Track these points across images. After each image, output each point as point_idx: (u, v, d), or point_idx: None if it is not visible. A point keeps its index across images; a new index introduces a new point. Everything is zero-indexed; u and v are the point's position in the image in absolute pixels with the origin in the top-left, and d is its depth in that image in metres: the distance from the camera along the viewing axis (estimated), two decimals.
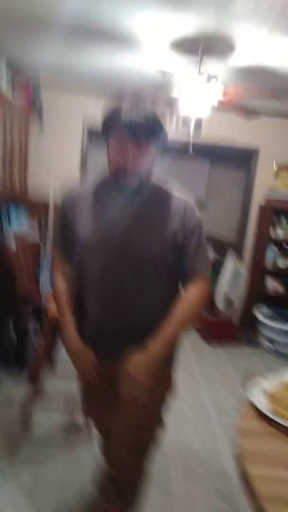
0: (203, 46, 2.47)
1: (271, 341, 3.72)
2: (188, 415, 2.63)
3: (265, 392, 1.14)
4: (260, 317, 3.83)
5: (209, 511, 1.85)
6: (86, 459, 2.09)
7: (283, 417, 1.02)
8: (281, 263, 4.11)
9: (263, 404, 1.08)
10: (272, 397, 1.10)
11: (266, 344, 3.78)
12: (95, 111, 4.17)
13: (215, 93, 2.54)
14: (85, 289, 1.33)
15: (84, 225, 1.29)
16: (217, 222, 5.95)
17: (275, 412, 1.03)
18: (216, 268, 5.28)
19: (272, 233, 4.09)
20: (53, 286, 1.39)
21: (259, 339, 3.94)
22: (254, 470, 0.83)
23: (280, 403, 1.07)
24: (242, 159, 4.60)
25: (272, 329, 3.69)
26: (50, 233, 4.11)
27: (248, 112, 2.96)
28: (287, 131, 4.25)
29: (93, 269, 1.29)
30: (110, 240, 1.25)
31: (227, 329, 4.09)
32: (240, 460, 0.89)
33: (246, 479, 0.83)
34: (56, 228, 1.45)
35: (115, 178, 1.26)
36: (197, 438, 2.40)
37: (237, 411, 2.70)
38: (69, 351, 1.35)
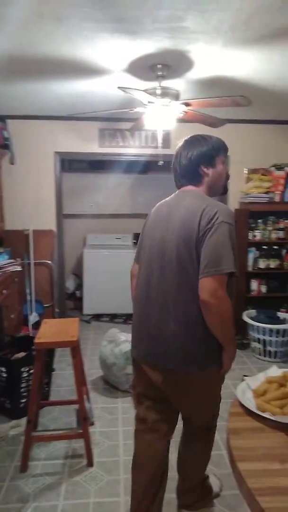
0: (162, 64, 2.57)
1: (259, 341, 3.77)
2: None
3: (250, 388, 1.17)
4: (247, 319, 3.88)
5: None
6: (88, 484, 2.07)
7: (265, 411, 1.05)
8: (262, 264, 4.20)
9: (248, 401, 1.11)
10: (256, 392, 1.14)
11: (255, 345, 3.82)
12: (65, 136, 4.25)
13: (177, 107, 2.63)
14: None
15: None
16: None
17: (259, 407, 1.06)
18: None
19: (250, 236, 4.18)
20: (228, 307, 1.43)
21: (248, 341, 3.98)
22: (243, 466, 0.85)
23: (263, 397, 1.10)
24: None
25: (260, 329, 3.74)
26: (31, 262, 4.13)
27: (213, 121, 3.06)
28: (253, 135, 4.41)
29: None
30: None
31: None
32: (230, 457, 0.91)
33: (237, 475, 0.85)
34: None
35: (224, 191, 1.67)
36: None
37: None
38: (234, 352, 1.54)
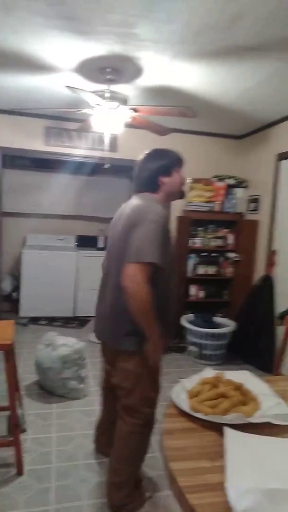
0: (111, 68, 2.58)
1: (196, 345, 3.89)
2: None
3: (185, 389, 1.20)
4: (185, 323, 3.99)
5: None
6: (16, 494, 1.98)
7: (198, 411, 1.08)
8: (201, 270, 4.35)
9: (183, 402, 1.14)
10: (190, 393, 1.17)
11: (192, 348, 3.94)
12: (8, 131, 4.08)
13: (125, 112, 2.65)
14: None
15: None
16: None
17: (192, 408, 1.09)
18: None
19: (190, 243, 4.32)
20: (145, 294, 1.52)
21: (185, 345, 4.09)
22: (176, 465, 0.87)
23: (197, 398, 1.13)
24: None
25: (196, 333, 3.87)
26: None
27: (159, 129, 3.13)
28: (197, 146, 4.57)
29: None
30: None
31: None
32: (163, 458, 0.92)
33: (169, 475, 0.87)
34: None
35: (181, 195, 1.89)
36: None
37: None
38: (156, 343, 1.64)
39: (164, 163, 1.82)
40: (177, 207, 4.51)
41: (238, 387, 1.20)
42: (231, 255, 4.41)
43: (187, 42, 2.22)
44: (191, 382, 1.26)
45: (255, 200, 4.33)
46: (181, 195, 1.90)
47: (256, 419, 1.05)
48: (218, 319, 4.20)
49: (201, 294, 4.43)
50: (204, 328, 3.88)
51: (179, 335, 4.19)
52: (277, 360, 3.08)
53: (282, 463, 0.86)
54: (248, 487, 0.76)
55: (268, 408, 1.11)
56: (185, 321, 4.05)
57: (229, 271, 4.44)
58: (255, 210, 4.32)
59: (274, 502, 0.72)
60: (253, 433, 0.98)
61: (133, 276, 1.50)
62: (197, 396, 1.15)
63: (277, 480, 0.79)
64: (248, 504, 0.72)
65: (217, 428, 1.01)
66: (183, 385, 1.23)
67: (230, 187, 4.44)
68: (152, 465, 2.23)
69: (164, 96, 3.17)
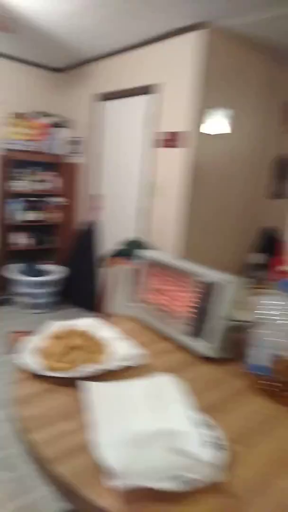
0: None
1: (26, 295, 3.71)
2: None
3: (36, 349, 1.08)
4: (10, 274, 3.72)
5: None
6: None
7: (56, 369, 0.99)
8: (31, 216, 4.06)
9: (36, 364, 1.02)
10: (44, 352, 1.06)
11: (22, 300, 3.75)
12: None
13: None
14: None
15: None
16: None
17: (50, 368, 0.99)
18: None
19: (15, 186, 3.92)
20: None
21: (13, 297, 3.86)
22: (37, 436, 0.77)
23: (52, 355, 1.04)
24: None
25: (25, 283, 3.67)
26: None
27: None
28: (12, 74, 4.02)
29: None
30: None
31: None
32: (20, 429, 0.81)
33: (30, 448, 0.77)
34: None
35: None
36: None
37: (5, 379, 2.61)
38: None
39: None
40: None
41: (87, 335, 1.16)
42: (57, 199, 4.25)
43: None
44: (40, 339, 1.14)
45: (77, 142, 4.19)
46: None
47: (110, 365, 1.03)
48: (46, 267, 4.08)
49: (27, 241, 4.17)
50: (33, 277, 3.71)
51: (2, 287, 3.90)
52: (99, 300, 3.24)
53: (141, 406, 0.87)
54: (114, 439, 0.74)
55: (121, 351, 1.11)
56: (12, 271, 3.77)
57: (54, 216, 4.29)
58: (77, 152, 4.20)
59: (140, 447, 0.72)
60: (111, 381, 0.96)
61: None
62: (48, 354, 1.05)
63: (139, 424, 0.79)
64: (117, 456, 0.69)
65: (75, 384, 0.95)
66: (32, 345, 1.11)
67: (52, 126, 4.15)
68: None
69: None
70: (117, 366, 1.03)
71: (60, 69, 4.28)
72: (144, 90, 3.23)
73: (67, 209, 4.25)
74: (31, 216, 4.10)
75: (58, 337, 1.14)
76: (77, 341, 1.11)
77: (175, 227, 3.10)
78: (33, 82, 4.19)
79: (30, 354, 1.06)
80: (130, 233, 3.38)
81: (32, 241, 4.18)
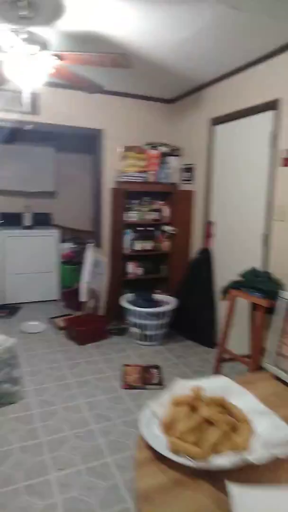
0: (26, 1, 2.06)
1: (138, 326, 3.66)
2: (66, 432, 2.31)
3: (156, 417, 0.91)
4: (125, 303, 3.72)
5: None
6: None
7: (183, 452, 0.80)
8: (137, 245, 4.08)
9: (156, 439, 0.84)
10: (164, 424, 0.88)
11: (134, 330, 3.71)
12: None
13: (47, 59, 2.16)
14: None
15: None
16: (71, 210, 5.65)
17: (174, 448, 0.81)
18: (76, 260, 5.00)
19: (125, 217, 3.99)
20: None
21: (127, 327, 3.84)
22: None
23: (174, 431, 0.85)
24: (87, 141, 4.35)
25: (137, 313, 3.63)
26: None
27: (88, 84, 2.68)
28: (126, 109, 4.16)
29: None
30: None
31: (94, 323, 3.86)
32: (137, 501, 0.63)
33: None
34: None
35: None
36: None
37: (116, 413, 2.53)
38: None
39: None
40: (110, 179, 4.13)
41: (221, 403, 0.94)
42: (167, 228, 4.18)
43: None
44: (162, 404, 0.97)
45: (189, 169, 4.10)
46: None
47: (257, 454, 0.79)
48: (157, 297, 4.00)
49: (139, 271, 4.17)
50: (145, 307, 3.64)
51: (118, 316, 3.92)
52: (222, 336, 2.96)
53: None
54: None
55: (265, 431, 0.86)
56: (125, 301, 3.78)
57: (165, 245, 4.22)
58: (189, 180, 4.10)
59: None
60: (253, 475, 0.72)
61: None
62: (172, 427, 0.87)
63: None
64: None
65: (212, 477, 0.74)
66: (153, 411, 0.94)
67: (163, 155, 4.16)
68: None
69: (90, 44, 2.70)
70: (265, 456, 0.79)
71: (172, 100, 4.30)
72: (262, 108, 2.99)
73: (178, 238, 4.15)
74: (142, 245, 4.10)
75: (186, 403, 0.95)
76: (212, 414, 0.90)
77: None
78: (145, 115, 4.28)
79: (154, 425, 0.89)
80: (249, 263, 3.08)
81: (143, 270, 4.17)
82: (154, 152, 4.12)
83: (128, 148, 4.06)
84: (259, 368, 2.63)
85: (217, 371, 2.98)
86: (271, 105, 2.89)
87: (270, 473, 0.75)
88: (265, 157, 2.99)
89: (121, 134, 4.15)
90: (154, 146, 4.18)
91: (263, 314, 2.55)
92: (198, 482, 0.74)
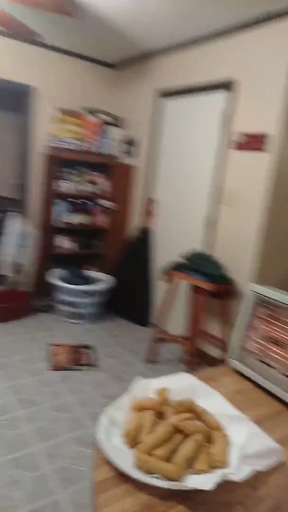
0: None
1: (68, 304, 3.46)
2: None
3: (116, 425, 0.78)
4: (54, 280, 3.48)
5: None
6: None
7: (150, 471, 0.67)
8: (71, 218, 3.82)
9: (120, 454, 0.71)
10: (128, 434, 0.75)
11: (64, 308, 3.50)
12: None
13: None
14: None
15: None
16: None
17: (143, 465, 0.68)
18: None
19: (55, 186, 3.68)
20: None
21: (55, 305, 3.62)
22: None
23: (143, 445, 0.72)
24: (15, 98, 3.86)
25: (68, 291, 3.42)
26: None
27: (25, 30, 2.31)
28: (64, 67, 3.78)
29: None
30: None
31: (17, 299, 3.56)
32: None
33: None
34: None
35: None
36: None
37: (45, 395, 2.35)
38: None
39: None
40: (40, 142, 3.75)
41: (190, 408, 0.84)
42: (105, 202, 3.98)
43: None
44: (122, 409, 0.83)
45: (131, 142, 3.90)
46: None
47: (238, 470, 0.70)
48: (91, 274, 3.82)
49: (74, 246, 3.93)
50: (76, 284, 3.45)
51: (46, 293, 3.67)
52: (159, 316, 2.92)
53: None
54: None
55: (241, 440, 0.77)
56: (54, 277, 3.54)
57: (102, 220, 4.02)
58: (131, 153, 3.91)
59: None
60: (231, 494, 0.63)
61: None
62: (138, 438, 0.74)
63: None
64: None
65: (187, 499, 0.63)
66: (112, 418, 0.80)
67: (104, 124, 3.89)
68: None
69: None
70: (246, 471, 0.70)
71: (116, 65, 4.01)
72: (216, 87, 2.89)
73: (116, 214, 3.97)
74: (76, 219, 3.86)
75: (152, 408, 0.83)
76: (183, 420, 0.79)
77: (249, 242, 2.70)
78: (85, 78, 3.94)
79: (115, 435, 0.76)
80: (191, 245, 3.03)
81: (76, 246, 3.94)
82: (93, 120, 3.83)
83: (64, 112, 3.71)
84: (196, 350, 2.64)
85: (152, 350, 2.94)
86: (226, 85, 2.80)
87: (253, 491, 0.67)
88: (216, 139, 2.92)
89: (56, 94, 3.77)
90: (92, 112, 3.88)
91: (204, 297, 2.53)
92: (172, 505, 0.63)
